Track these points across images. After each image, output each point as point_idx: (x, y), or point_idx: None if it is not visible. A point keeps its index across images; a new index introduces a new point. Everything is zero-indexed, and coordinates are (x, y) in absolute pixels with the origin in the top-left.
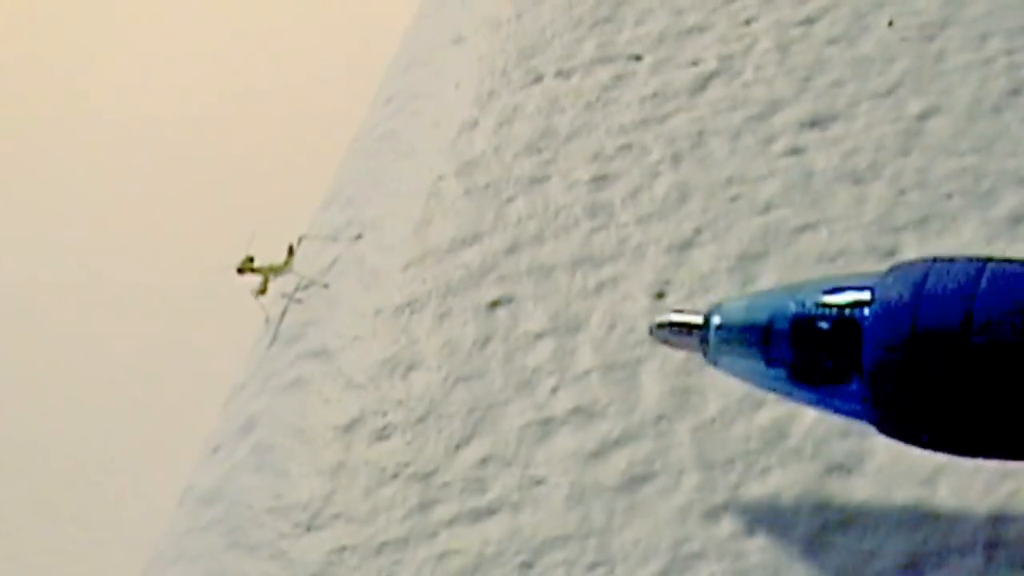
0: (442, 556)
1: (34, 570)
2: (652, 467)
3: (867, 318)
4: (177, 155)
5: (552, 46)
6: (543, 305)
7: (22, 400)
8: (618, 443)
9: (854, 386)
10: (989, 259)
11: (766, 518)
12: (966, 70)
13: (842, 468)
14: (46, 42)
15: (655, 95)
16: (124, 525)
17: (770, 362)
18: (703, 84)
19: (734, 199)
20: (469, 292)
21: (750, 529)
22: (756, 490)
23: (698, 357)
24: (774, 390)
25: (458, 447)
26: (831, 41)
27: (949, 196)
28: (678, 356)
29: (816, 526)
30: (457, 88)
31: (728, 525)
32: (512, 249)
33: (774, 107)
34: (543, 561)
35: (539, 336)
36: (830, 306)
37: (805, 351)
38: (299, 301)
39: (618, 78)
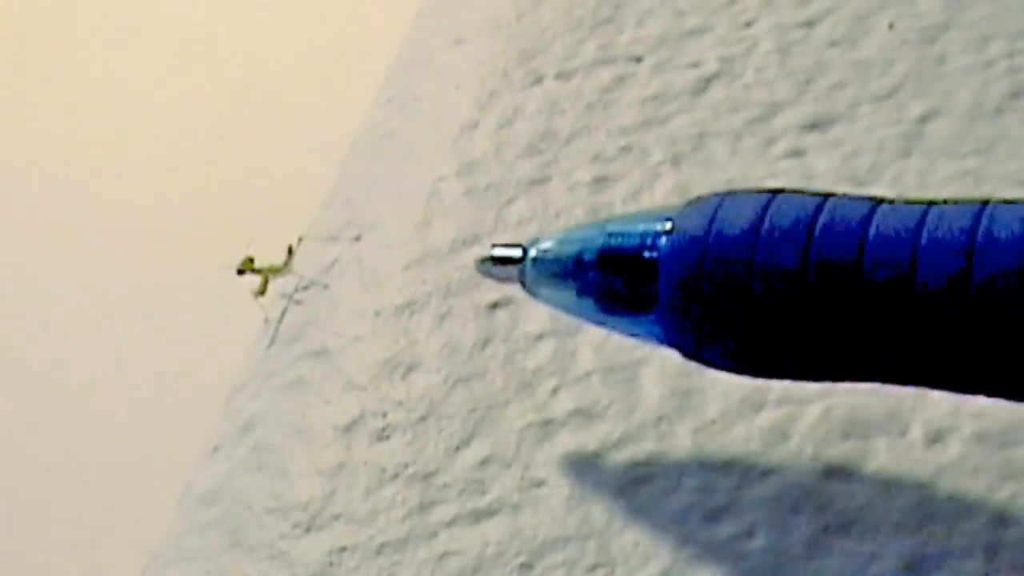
0: (442, 557)
1: (34, 570)
2: (652, 468)
3: (663, 250)
4: (176, 155)
5: (553, 47)
6: (543, 307)
7: (21, 399)
8: (618, 444)
9: (654, 315)
10: (779, 190)
11: (766, 520)
12: (967, 73)
13: (842, 470)
14: (46, 41)
15: (656, 97)
16: (123, 525)
17: (580, 292)
18: (704, 86)
19: None
20: (469, 293)
21: (750, 531)
22: (756, 492)
23: (679, 358)
24: (586, 318)
25: (458, 448)
26: (832, 44)
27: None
28: (677, 358)
29: (816, 528)
30: (457, 89)
31: (728, 527)
32: None
33: (775, 109)
34: (543, 562)
35: (539, 337)
36: (633, 238)
37: (609, 281)
38: (299, 301)
39: (619, 80)
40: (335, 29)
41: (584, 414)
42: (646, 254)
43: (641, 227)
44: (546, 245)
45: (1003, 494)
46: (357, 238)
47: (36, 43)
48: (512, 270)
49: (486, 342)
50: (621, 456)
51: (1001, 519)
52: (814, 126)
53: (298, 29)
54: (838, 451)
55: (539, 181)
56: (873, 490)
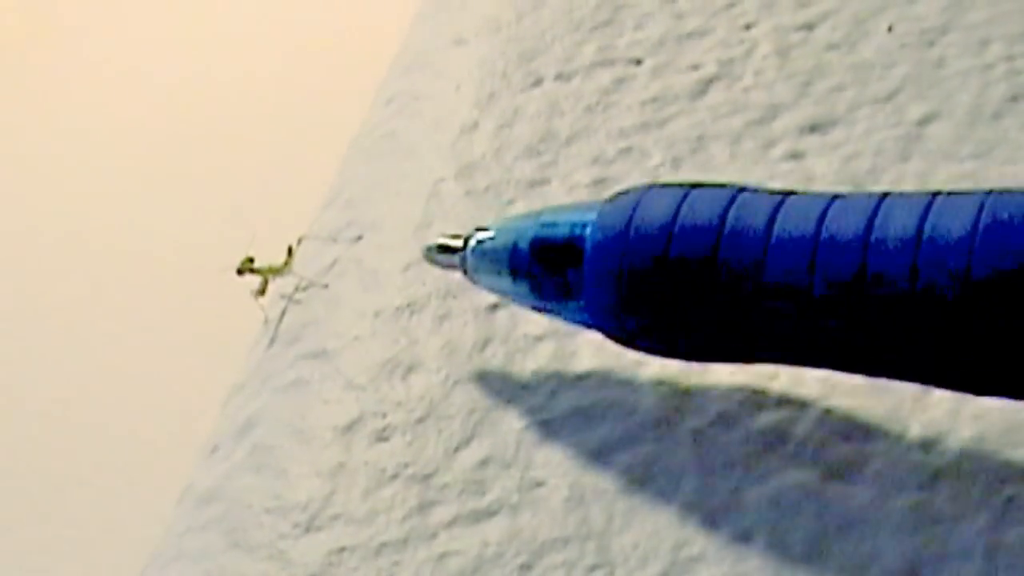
0: (441, 557)
1: (33, 569)
2: (651, 470)
3: (587, 240)
4: (177, 155)
5: (552, 49)
6: None
7: (21, 399)
8: (617, 446)
9: (582, 301)
10: (698, 184)
11: (766, 522)
12: (966, 76)
13: (841, 472)
14: (46, 41)
15: (655, 99)
16: (122, 525)
17: (515, 279)
18: (703, 88)
19: None
20: (469, 294)
21: (749, 533)
22: (755, 493)
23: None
24: (523, 304)
25: (458, 448)
26: (831, 46)
27: None
28: (676, 361)
29: (816, 530)
30: (457, 90)
31: (727, 529)
32: None
33: (774, 112)
34: (543, 563)
35: (539, 339)
36: (563, 228)
37: (541, 269)
38: (299, 302)
39: (618, 82)
40: (335, 30)
41: (583, 415)
42: (574, 244)
43: (571, 218)
44: (485, 235)
45: (1002, 496)
46: (357, 239)
47: (36, 43)
48: (455, 258)
49: (486, 343)
50: (621, 456)
51: (1001, 521)
52: (813, 128)
53: (298, 30)
54: (838, 452)
55: (539, 183)
56: (873, 491)
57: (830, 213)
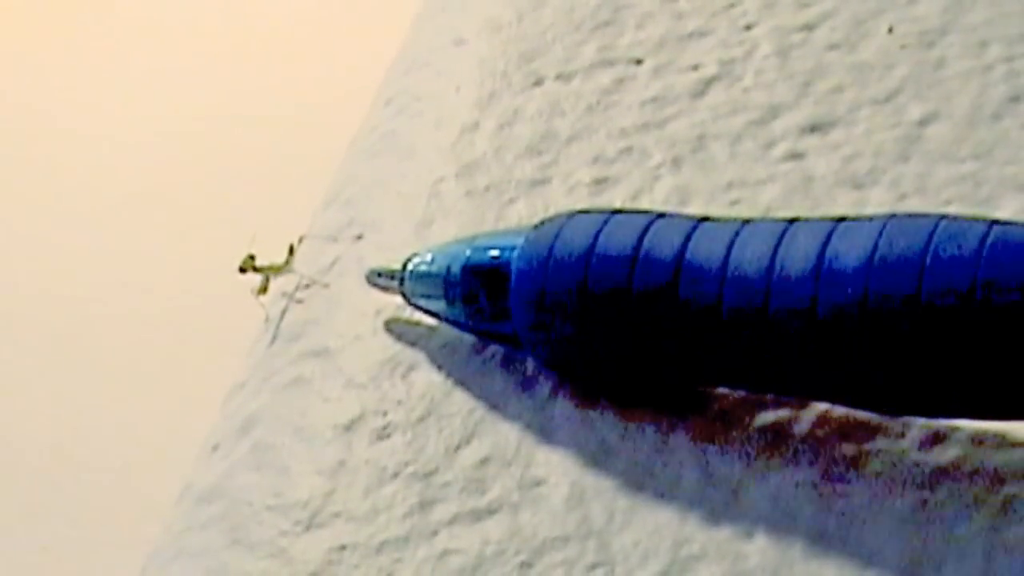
0: (442, 555)
1: (32, 569)
2: (651, 469)
3: (512, 267)
4: (178, 155)
5: (553, 49)
6: None
7: (20, 399)
8: (618, 444)
9: (508, 327)
10: (617, 210)
11: (766, 520)
12: (966, 77)
13: (841, 471)
14: (47, 41)
15: (656, 99)
16: (123, 523)
17: (449, 303)
18: (703, 88)
19: (734, 203)
20: None
21: (750, 531)
22: (756, 492)
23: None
24: (457, 326)
25: (458, 447)
26: (831, 47)
27: (948, 202)
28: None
29: (815, 529)
30: (458, 90)
31: (728, 527)
32: None
33: (774, 112)
34: (543, 561)
35: None
36: (493, 253)
37: (474, 293)
38: (299, 301)
39: (619, 82)
40: (335, 30)
41: (583, 413)
42: (502, 269)
43: (502, 243)
44: (422, 259)
45: (1002, 496)
46: (358, 238)
47: (38, 43)
48: (394, 282)
49: (486, 342)
50: (621, 456)
51: (1000, 521)
52: (813, 129)
53: (299, 30)
54: (838, 452)
55: (539, 182)
56: (873, 491)
57: (739, 239)
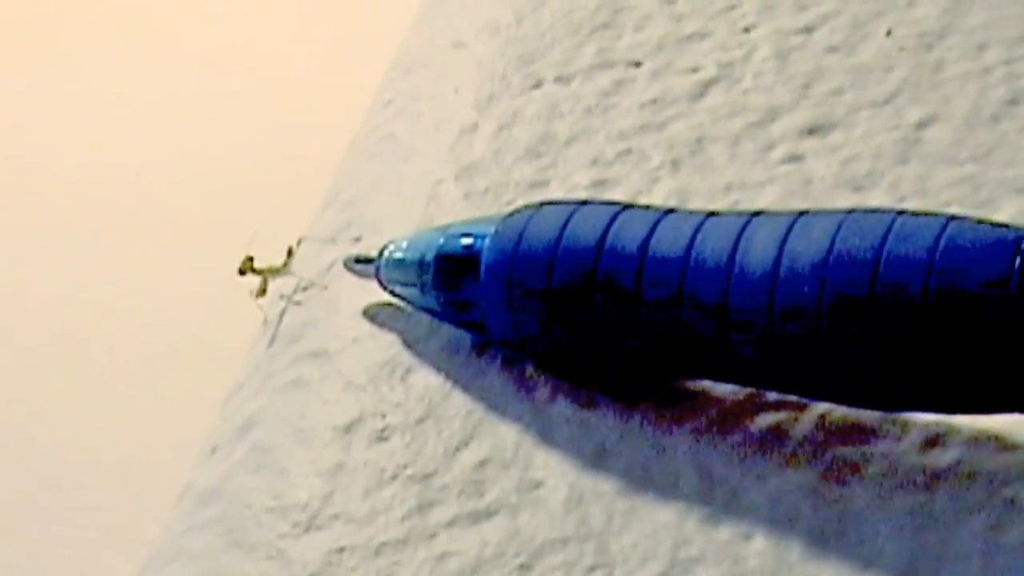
0: (441, 557)
1: (32, 569)
2: (651, 470)
3: (483, 255)
4: (177, 156)
5: (552, 51)
6: None
7: (20, 399)
8: (617, 446)
9: (478, 315)
10: (584, 201)
11: (764, 523)
12: (964, 79)
13: (840, 473)
14: (47, 41)
15: (654, 101)
16: (122, 524)
17: (423, 290)
18: (702, 91)
19: (733, 205)
20: None
21: (748, 534)
22: (754, 494)
23: None
24: (430, 313)
25: (457, 449)
26: (830, 49)
27: (947, 204)
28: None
29: (814, 531)
30: (457, 92)
31: (726, 529)
32: None
33: (773, 114)
34: (542, 563)
35: None
36: (465, 242)
37: (446, 280)
38: (298, 302)
39: (618, 84)
40: (335, 32)
41: (582, 416)
42: (474, 258)
43: (474, 231)
44: (398, 246)
45: (1002, 496)
46: (357, 239)
47: (38, 43)
48: (370, 268)
49: (485, 343)
50: (620, 458)
51: (1000, 521)
52: (812, 131)
53: (298, 31)
54: (838, 452)
55: (538, 184)
56: (872, 492)
57: (701, 233)
